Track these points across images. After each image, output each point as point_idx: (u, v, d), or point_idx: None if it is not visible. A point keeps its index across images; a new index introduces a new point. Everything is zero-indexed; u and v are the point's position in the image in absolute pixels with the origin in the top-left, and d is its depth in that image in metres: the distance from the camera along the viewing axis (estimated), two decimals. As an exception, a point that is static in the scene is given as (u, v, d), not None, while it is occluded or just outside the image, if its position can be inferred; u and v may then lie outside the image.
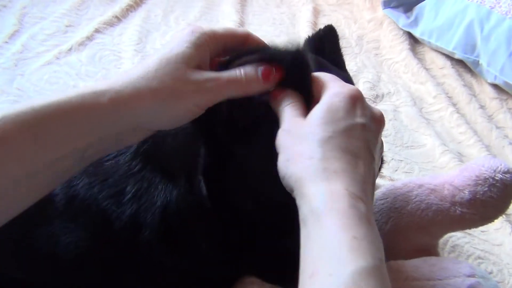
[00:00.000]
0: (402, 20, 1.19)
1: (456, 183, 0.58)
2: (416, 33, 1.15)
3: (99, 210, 0.48)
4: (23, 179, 0.34)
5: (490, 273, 0.72)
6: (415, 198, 0.59)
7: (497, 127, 1.00)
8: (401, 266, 0.52)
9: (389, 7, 1.22)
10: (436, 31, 1.10)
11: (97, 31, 1.10)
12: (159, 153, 0.49)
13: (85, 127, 0.35)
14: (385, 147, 0.93)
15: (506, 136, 0.99)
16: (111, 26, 1.13)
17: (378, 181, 0.84)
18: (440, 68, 1.13)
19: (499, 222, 0.79)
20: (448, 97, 1.06)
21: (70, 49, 1.03)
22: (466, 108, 1.04)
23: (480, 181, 0.56)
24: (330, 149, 0.35)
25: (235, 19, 1.22)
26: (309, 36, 0.54)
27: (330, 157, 0.35)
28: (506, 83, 1.00)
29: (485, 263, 0.73)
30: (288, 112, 0.39)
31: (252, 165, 0.43)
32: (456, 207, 0.57)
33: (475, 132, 0.98)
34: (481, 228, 0.78)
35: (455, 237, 0.76)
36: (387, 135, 0.96)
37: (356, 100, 0.37)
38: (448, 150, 0.92)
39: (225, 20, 1.23)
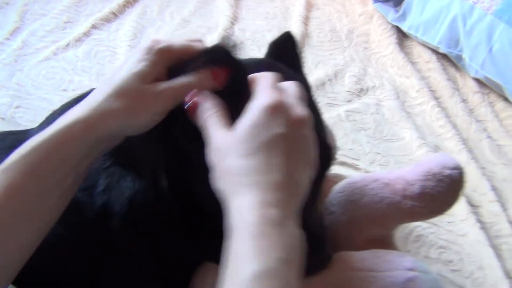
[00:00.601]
0: (391, 14, 1.21)
1: (408, 178, 0.61)
2: (404, 27, 1.18)
3: (73, 201, 0.53)
4: (40, 202, 0.42)
5: (451, 262, 0.75)
6: (370, 191, 0.63)
7: (477, 121, 1.03)
8: (348, 257, 0.57)
9: (379, 1, 1.24)
10: (422, 25, 1.13)
11: (94, 27, 1.15)
12: (127, 151, 0.54)
13: (69, 153, 0.42)
14: (364, 140, 0.97)
15: (485, 130, 1.01)
16: (108, 22, 1.18)
17: (352, 173, 0.88)
18: (426, 62, 1.15)
19: (465, 213, 0.82)
20: (432, 90, 1.09)
21: (67, 45, 1.08)
22: (448, 102, 1.07)
23: (429, 176, 0.60)
24: (250, 164, 0.38)
25: (228, 14, 1.26)
26: (270, 43, 0.58)
27: (249, 172, 0.38)
28: (486, 77, 1.02)
29: (447, 252, 0.77)
30: (212, 125, 0.42)
31: (203, 166, 0.48)
32: (407, 201, 0.60)
33: (454, 126, 1.01)
34: (447, 219, 0.82)
35: (421, 228, 0.79)
36: (367, 129, 0.99)
37: (276, 110, 0.40)
38: (425, 143, 0.95)
39: (219, 15, 1.27)
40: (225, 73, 0.45)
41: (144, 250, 0.55)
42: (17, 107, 0.92)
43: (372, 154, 0.94)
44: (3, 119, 0.89)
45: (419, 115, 1.04)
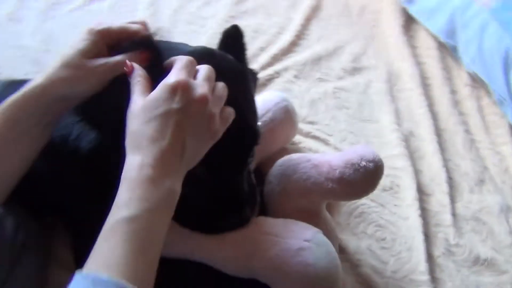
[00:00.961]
0: (404, -6, 1.22)
1: (332, 163, 0.70)
2: (412, 10, 1.19)
3: (52, 144, 0.68)
4: (18, 141, 0.56)
5: (383, 240, 0.84)
6: (301, 169, 0.73)
7: (460, 113, 1.07)
8: (263, 221, 0.67)
9: (395, -20, 1.25)
10: (427, 12, 1.14)
11: (122, -19, 1.26)
12: (88, 110, 0.67)
13: (33, 108, 0.55)
14: (343, 118, 1.04)
15: (464, 123, 1.05)
16: (136, -24, 1.28)
17: (322, 147, 0.97)
18: (427, 49, 1.18)
19: (411, 199, 0.89)
20: (424, 77, 1.12)
21: (95, -3, 1.21)
22: (437, 91, 1.10)
23: (349, 165, 0.69)
24: (145, 130, 0.48)
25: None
26: (222, 33, 0.67)
27: (141, 136, 0.48)
28: (475, 73, 1.04)
29: (382, 231, 0.85)
30: (135, 90, 0.51)
31: None
32: (329, 182, 0.70)
33: (435, 115, 1.05)
34: (395, 202, 0.90)
35: (366, 206, 0.88)
36: (349, 107, 1.06)
37: (177, 89, 0.49)
38: (398, 128, 1.01)
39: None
40: (146, 56, 0.56)
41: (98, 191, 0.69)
42: (45, 51, 1.07)
43: (346, 132, 1.01)
44: (32, 62, 1.05)
45: (405, 100, 1.08)
